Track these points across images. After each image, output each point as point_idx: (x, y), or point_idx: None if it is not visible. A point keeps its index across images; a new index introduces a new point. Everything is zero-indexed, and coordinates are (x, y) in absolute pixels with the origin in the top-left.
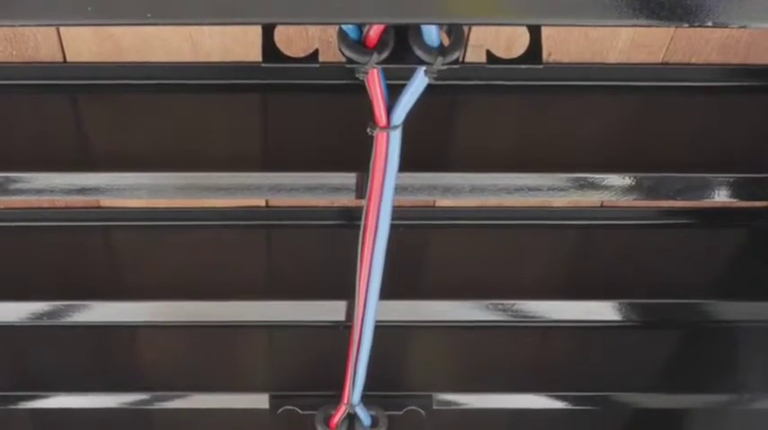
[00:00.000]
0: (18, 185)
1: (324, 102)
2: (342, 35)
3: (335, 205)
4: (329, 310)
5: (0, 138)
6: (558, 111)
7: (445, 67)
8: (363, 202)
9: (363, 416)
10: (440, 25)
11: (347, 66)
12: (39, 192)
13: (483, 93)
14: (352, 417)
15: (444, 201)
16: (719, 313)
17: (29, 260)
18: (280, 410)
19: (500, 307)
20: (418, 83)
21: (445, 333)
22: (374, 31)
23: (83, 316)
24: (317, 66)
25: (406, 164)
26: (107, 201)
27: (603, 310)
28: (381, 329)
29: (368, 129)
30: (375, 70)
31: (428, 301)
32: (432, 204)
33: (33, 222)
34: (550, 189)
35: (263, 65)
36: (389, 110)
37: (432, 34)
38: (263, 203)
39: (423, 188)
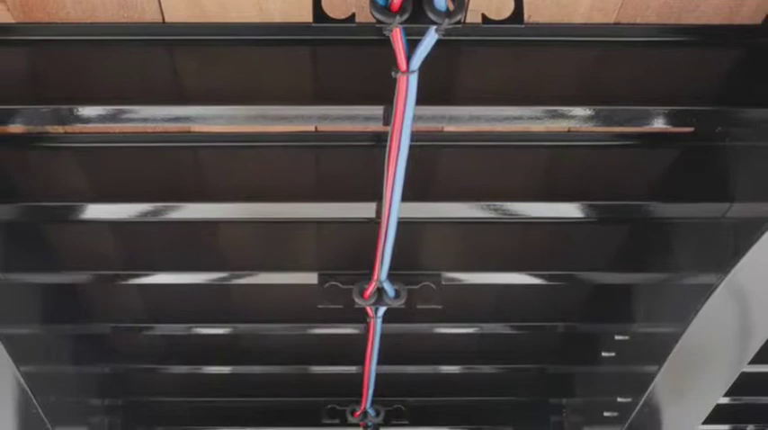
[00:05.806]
0: (128, 116)
1: (359, 52)
2: (373, 2)
3: (368, 130)
4: (363, 209)
5: (114, 80)
6: (535, 60)
7: (451, 27)
8: (389, 128)
9: (389, 289)
10: None
11: (377, 25)
12: (144, 120)
13: (479, 46)
14: (380, 290)
15: (450, 128)
16: (658, 212)
17: (137, 172)
18: (326, 285)
19: (492, 207)
20: (430, 38)
21: (451, 227)
22: None
23: (176, 214)
24: (354, 25)
25: (421, 99)
26: (196, 127)
27: (570, 210)
28: (402, 224)
29: (392, 73)
30: (398, 28)
31: (438, 203)
32: (440, 130)
33: (140, 143)
34: (530, 118)
35: (313, 24)
36: (409, 58)
37: (440, 2)
38: (312, 129)
39: (433, 117)
